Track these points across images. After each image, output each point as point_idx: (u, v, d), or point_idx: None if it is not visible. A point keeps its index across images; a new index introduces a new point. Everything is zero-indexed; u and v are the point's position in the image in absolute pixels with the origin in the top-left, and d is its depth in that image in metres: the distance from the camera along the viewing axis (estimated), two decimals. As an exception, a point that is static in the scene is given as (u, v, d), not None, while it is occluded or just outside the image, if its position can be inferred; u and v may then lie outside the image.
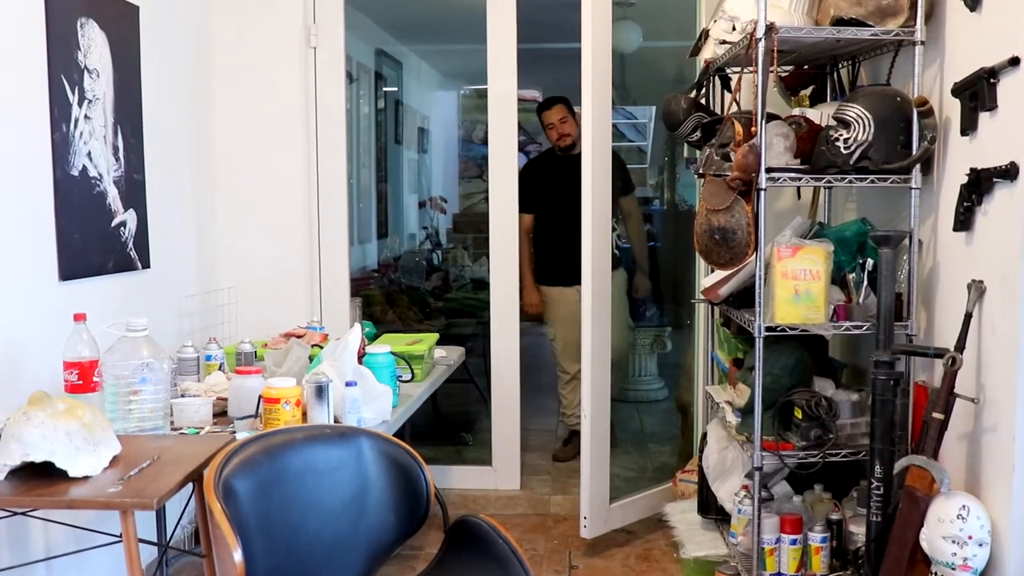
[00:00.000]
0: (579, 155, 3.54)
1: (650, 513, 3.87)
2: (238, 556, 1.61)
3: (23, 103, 2.58)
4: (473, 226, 9.07)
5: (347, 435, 2.02)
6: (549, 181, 4.59)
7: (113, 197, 3.03)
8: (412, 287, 5.85)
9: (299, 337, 3.14)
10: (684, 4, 4.20)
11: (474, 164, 9.98)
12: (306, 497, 1.86)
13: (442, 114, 9.35)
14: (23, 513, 2.03)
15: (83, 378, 2.29)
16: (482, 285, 5.91)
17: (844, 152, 2.67)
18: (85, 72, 2.86)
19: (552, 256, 4.60)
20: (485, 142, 4.19)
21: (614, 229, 4.26)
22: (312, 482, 1.89)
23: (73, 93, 2.78)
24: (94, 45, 2.91)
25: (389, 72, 6.90)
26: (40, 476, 1.82)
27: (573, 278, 3.97)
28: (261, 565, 1.69)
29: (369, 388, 2.50)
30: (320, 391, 2.33)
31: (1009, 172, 2.20)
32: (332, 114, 3.96)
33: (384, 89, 6.75)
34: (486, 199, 4.15)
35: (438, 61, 8.29)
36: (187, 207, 3.63)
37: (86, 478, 1.81)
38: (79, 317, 2.34)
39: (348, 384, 2.42)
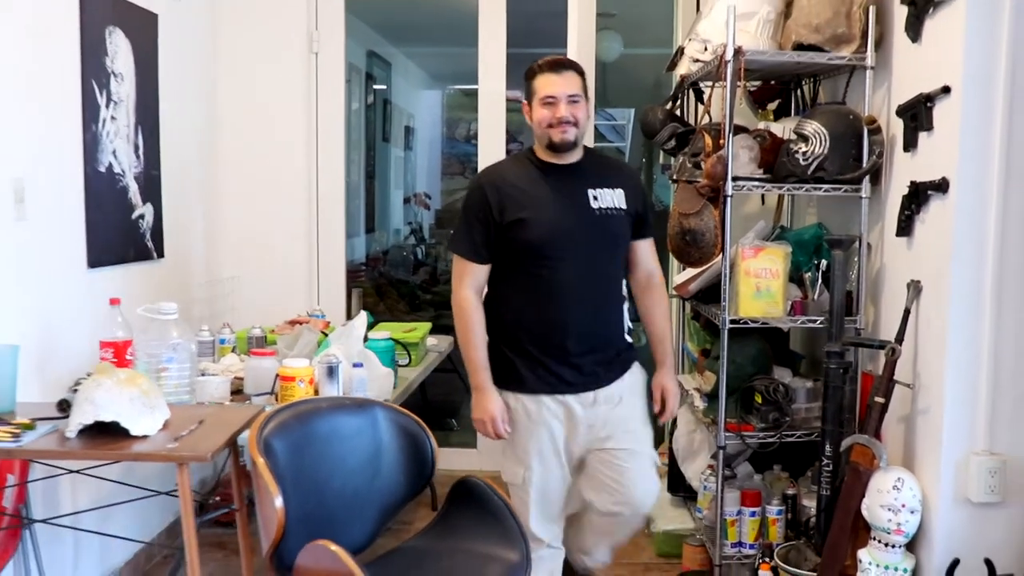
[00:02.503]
0: (582, 164, 2.63)
1: (623, 492, 4.15)
2: (279, 502, 1.89)
3: (61, 105, 2.83)
4: (455, 222, 9.36)
5: (364, 406, 2.30)
6: (531, 203, 2.58)
7: (134, 192, 3.28)
8: (401, 280, 6.11)
9: (304, 324, 3.40)
10: (662, 16, 4.50)
11: (456, 161, 10.24)
12: (331, 457, 2.14)
13: (427, 112, 9.59)
14: (79, 471, 2.31)
15: (117, 356, 2.55)
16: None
17: (803, 164, 2.97)
18: (112, 76, 3.11)
19: (534, 340, 2.60)
20: (467, 140, 4.36)
21: (624, 299, 2.70)
22: (336, 444, 2.16)
23: (101, 95, 3.03)
24: (120, 51, 3.16)
25: (379, 72, 7.15)
26: (104, 435, 2.08)
27: (570, 381, 2.60)
28: (294, 513, 1.96)
29: (374, 369, 2.78)
30: (331, 371, 2.60)
31: (941, 186, 2.51)
32: (331, 115, 4.23)
33: (374, 87, 7.01)
34: (467, 195, 4.35)
35: (425, 62, 8.54)
36: (196, 202, 3.88)
37: (145, 437, 2.07)
38: (114, 301, 2.60)
39: (355, 365, 2.69)
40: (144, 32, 3.36)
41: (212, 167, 4.03)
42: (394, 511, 2.27)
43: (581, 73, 2.67)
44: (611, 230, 2.63)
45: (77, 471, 2.32)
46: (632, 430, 2.69)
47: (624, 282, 2.70)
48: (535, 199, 2.59)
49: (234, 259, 4.13)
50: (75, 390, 2.21)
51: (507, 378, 2.62)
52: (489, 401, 2.58)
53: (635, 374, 2.74)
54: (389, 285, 5.87)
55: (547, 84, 2.59)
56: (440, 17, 6.24)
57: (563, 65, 2.63)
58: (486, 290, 2.67)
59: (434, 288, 6.12)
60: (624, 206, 2.64)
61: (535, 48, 5.89)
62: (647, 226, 2.75)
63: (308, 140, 4.19)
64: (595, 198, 2.61)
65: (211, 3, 3.97)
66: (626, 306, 2.69)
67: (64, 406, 2.19)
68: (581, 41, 3.77)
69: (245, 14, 4.08)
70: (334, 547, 1.78)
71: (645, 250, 2.78)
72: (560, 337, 2.58)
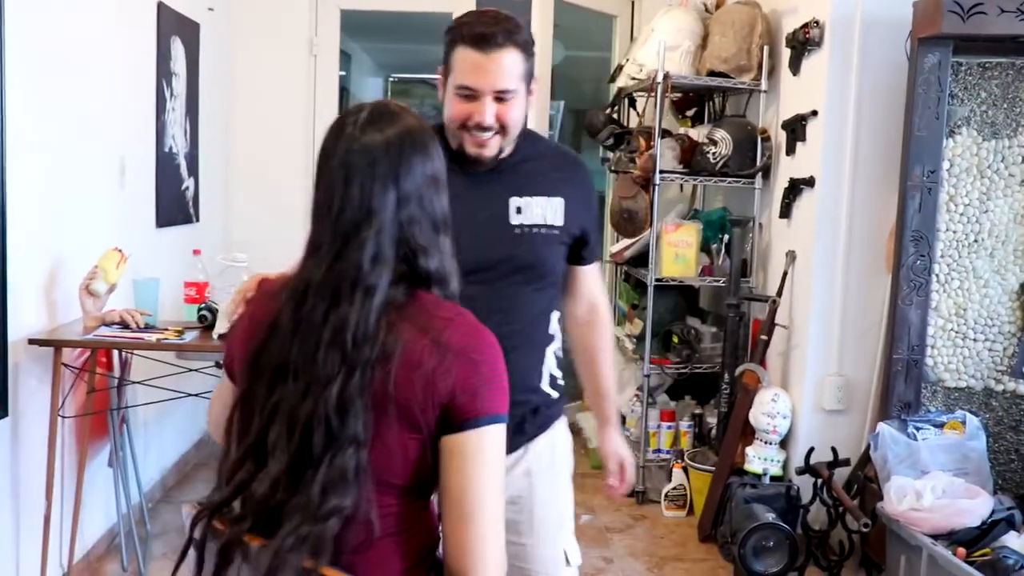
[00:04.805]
0: (510, 162, 1.85)
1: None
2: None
3: (144, 98, 3.60)
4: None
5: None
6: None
7: (183, 168, 4.05)
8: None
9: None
10: (601, 28, 5.43)
11: (396, 144, 11.04)
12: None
13: (371, 98, 10.34)
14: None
15: (199, 293, 3.34)
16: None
17: (712, 162, 3.92)
18: (173, 75, 3.87)
19: None
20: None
21: (551, 339, 1.92)
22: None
23: (167, 91, 3.80)
24: (178, 55, 3.93)
25: (341, 63, 7.91)
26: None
27: None
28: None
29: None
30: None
31: (810, 182, 3.50)
32: (327, 105, 5.03)
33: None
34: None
35: (376, 54, 9.32)
36: (219, 176, 4.65)
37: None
38: (196, 252, 3.39)
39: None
40: (191, 38, 4.12)
41: (230, 147, 4.79)
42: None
43: (525, 47, 1.76)
44: (535, 254, 1.86)
45: (195, 369, 3.13)
46: (544, 517, 1.93)
47: (553, 317, 1.93)
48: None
49: (244, 224, 4.89)
50: (207, 308, 3.03)
51: None
52: None
53: (558, 435, 1.97)
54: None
55: (468, 68, 1.74)
56: (400, 17, 7.05)
57: (495, 41, 1.71)
58: None
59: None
60: (560, 222, 1.87)
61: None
62: (590, 248, 1.98)
63: (306, 126, 4.97)
64: (518, 210, 1.85)
65: (232, 14, 4.71)
66: (552, 348, 1.93)
67: (203, 319, 3.02)
68: (542, 43, 4.59)
69: (258, 23, 4.83)
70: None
71: (588, 277, 2.03)
72: None
